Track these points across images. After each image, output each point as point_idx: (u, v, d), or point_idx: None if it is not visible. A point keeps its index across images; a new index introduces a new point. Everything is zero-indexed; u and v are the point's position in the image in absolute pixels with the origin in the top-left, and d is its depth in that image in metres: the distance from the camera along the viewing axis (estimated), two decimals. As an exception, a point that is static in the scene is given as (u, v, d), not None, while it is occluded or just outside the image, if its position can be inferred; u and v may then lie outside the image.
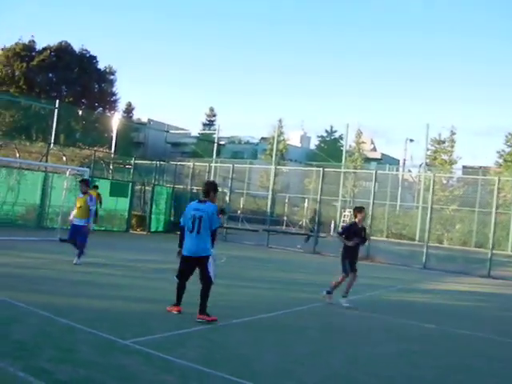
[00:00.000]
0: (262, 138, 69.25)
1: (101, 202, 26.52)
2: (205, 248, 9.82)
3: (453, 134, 49.40)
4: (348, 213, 44.06)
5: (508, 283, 21.26)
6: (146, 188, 32.14)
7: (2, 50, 64.98)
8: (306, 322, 10.53)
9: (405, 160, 59.48)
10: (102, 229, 28.38)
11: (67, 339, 7.59)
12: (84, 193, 16.07)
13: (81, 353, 6.99)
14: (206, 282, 9.78)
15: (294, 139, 74.59)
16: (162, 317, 9.62)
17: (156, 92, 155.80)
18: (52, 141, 37.31)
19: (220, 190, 34.31)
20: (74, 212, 15.86)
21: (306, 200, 45.30)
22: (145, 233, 30.42)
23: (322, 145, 77.50)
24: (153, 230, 31.17)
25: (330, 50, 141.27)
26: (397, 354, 8.66)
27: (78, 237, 15.52)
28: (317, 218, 28.29)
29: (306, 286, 15.60)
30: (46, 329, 8.03)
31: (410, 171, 58.28)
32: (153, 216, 31.44)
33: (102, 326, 8.33)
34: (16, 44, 64.99)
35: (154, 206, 31.43)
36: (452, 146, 49.73)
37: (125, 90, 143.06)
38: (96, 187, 25.36)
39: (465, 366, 8.41)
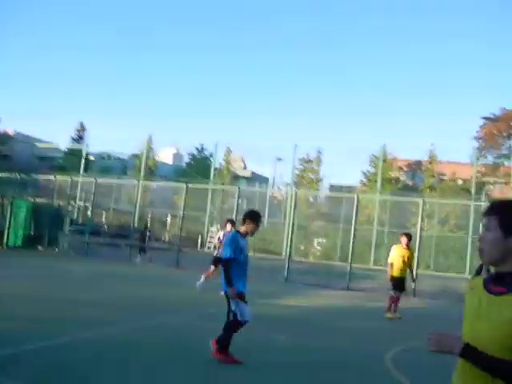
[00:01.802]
0: (133, 155, 68.42)
1: None
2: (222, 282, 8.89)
3: (319, 153, 51.00)
4: (215, 229, 44.35)
5: (362, 295, 22.01)
6: (5, 201, 30.88)
7: None
8: (150, 338, 10.33)
9: (274, 178, 60.61)
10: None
11: None
12: None
13: None
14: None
15: (166, 157, 74.24)
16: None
17: (23, 105, 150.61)
18: None
19: (82, 204, 33.87)
20: None
21: (169, 215, 45.14)
22: (1, 247, 29.18)
23: (193, 162, 77.62)
24: (10, 244, 29.90)
25: (200, 68, 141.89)
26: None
27: None
28: (180, 232, 28.29)
29: (161, 301, 15.35)
30: None
31: (279, 188, 59.44)
32: (11, 230, 30.17)
33: None
34: None
35: (12, 220, 30.19)
36: (318, 165, 51.28)
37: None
38: None
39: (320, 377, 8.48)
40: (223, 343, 8.48)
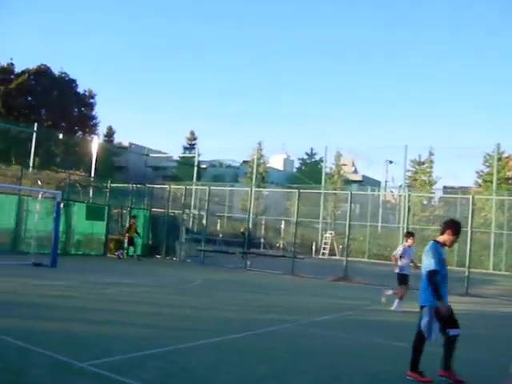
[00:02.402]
0: (244, 162, 69.20)
1: (137, 232, 29.97)
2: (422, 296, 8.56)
3: (431, 154, 49.70)
4: (329, 235, 44.12)
5: (486, 300, 21.18)
6: (123, 211, 31.92)
7: (-20, 73, 64.74)
8: (272, 343, 10.34)
9: (386, 181, 59.72)
10: (80, 253, 28.24)
11: (20, 362, 7.41)
12: None
13: (33, 376, 6.85)
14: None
15: (277, 162, 74.71)
16: (123, 339, 9.42)
17: (137, 116, 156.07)
18: (31, 164, 37.04)
19: (197, 212, 34.48)
20: None
21: (283, 222, 45.23)
22: (122, 257, 30.18)
23: (303, 167, 77.69)
24: (130, 253, 30.87)
25: (308, 74, 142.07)
26: (361, 373, 8.48)
27: None
28: (294, 239, 28.31)
29: (278, 308, 15.41)
30: (0, 352, 7.82)
31: (391, 192, 58.48)
32: (131, 240, 31.15)
33: (59, 349, 8.13)
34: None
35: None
36: (431, 167, 50.00)
37: (106, 114, 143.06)
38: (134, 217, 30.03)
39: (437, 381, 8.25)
40: (448, 366, 8.15)
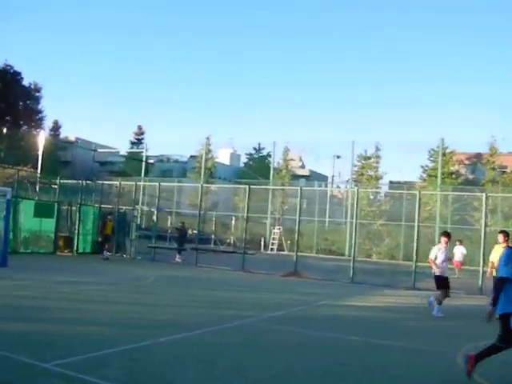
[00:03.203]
0: (191, 157, 69.06)
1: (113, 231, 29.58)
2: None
3: (378, 150, 50.55)
4: (277, 230, 44.52)
5: (431, 294, 21.70)
6: (73, 208, 31.65)
7: None
8: (231, 338, 10.59)
9: (333, 176, 60.46)
10: (29, 251, 27.93)
11: (-18, 365, 7.46)
12: None
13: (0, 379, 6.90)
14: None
15: (223, 157, 74.76)
16: (84, 338, 9.52)
17: (83, 110, 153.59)
18: (-25, 160, 36.41)
19: (147, 209, 34.44)
20: None
21: (234, 218, 45.49)
22: (72, 254, 30.00)
23: (251, 162, 77.94)
24: (80, 250, 30.71)
25: (255, 65, 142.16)
26: (322, 367, 8.75)
27: None
28: (244, 235, 28.61)
29: (233, 304, 15.67)
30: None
31: (338, 187, 59.25)
32: (80, 237, 30.99)
33: (21, 350, 8.20)
34: None
35: (80, 227, 30.99)
36: (377, 162, 50.85)
37: (51, 108, 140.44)
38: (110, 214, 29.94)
39: (389, 376, 8.58)
40: (479, 359, 8.07)
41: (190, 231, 33.19)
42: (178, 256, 30.03)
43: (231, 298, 17.23)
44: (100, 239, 29.69)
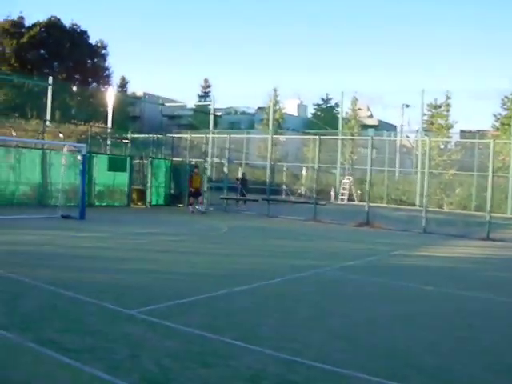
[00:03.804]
0: (259, 108, 68.84)
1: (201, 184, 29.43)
2: None
3: (448, 98, 49.23)
4: (347, 180, 44.28)
5: (506, 245, 21.33)
6: (145, 162, 32.21)
7: (-9, 27, 64.32)
8: (307, 287, 10.67)
9: (402, 126, 59.37)
10: (103, 204, 28.67)
11: (73, 311, 7.76)
12: None
13: (87, 323, 7.16)
14: None
15: (290, 108, 74.28)
16: (165, 287, 9.77)
17: (150, 65, 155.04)
18: (48, 118, 37.19)
19: (218, 160, 34.66)
20: None
21: (304, 168, 45.38)
22: (145, 206, 30.65)
23: (319, 113, 77.35)
24: (153, 203, 31.38)
25: (323, 18, 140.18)
26: (396, 315, 8.78)
27: None
28: (315, 186, 28.55)
29: (307, 254, 15.74)
30: (52, 302, 8.20)
31: (407, 137, 58.23)
32: (152, 189, 31.62)
33: (106, 298, 8.48)
34: (5, 21, 64.11)
35: (153, 180, 31.58)
36: (448, 111, 49.51)
37: (118, 65, 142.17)
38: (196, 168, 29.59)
39: (465, 324, 8.52)
40: None
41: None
42: (239, 204, 31.02)
43: (304, 248, 17.31)
44: (191, 193, 29.13)
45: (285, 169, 45.78)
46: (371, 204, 26.92)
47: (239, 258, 14.21)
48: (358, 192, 42.25)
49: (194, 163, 31.57)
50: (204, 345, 6.58)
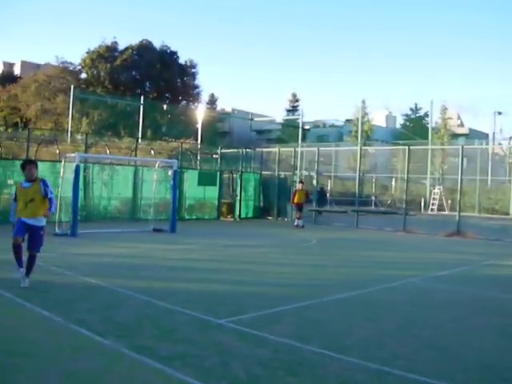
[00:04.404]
0: (347, 120, 68.72)
1: (307, 196, 28.64)
2: None
3: (543, 103, 47.75)
4: (437, 190, 43.47)
5: None
6: (234, 176, 32.66)
7: (87, 53, 67.06)
8: (397, 297, 10.60)
9: (494, 133, 57.86)
10: (194, 217, 29.24)
11: (166, 320, 8.00)
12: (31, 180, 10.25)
13: (179, 332, 7.39)
14: None
15: (379, 119, 73.69)
16: (254, 297, 9.89)
17: (239, 81, 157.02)
18: (139, 136, 38.26)
19: (307, 173, 34.74)
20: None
21: (394, 179, 44.89)
22: (234, 219, 31.05)
23: (408, 123, 76.38)
24: (242, 216, 31.76)
25: (409, 27, 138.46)
26: (489, 326, 8.58)
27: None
28: (405, 196, 28.19)
29: (397, 264, 15.60)
30: (145, 311, 8.47)
31: (500, 144, 56.71)
32: (242, 202, 32.02)
33: (197, 308, 8.70)
34: (99, 46, 67.00)
35: (242, 193, 31.98)
36: (543, 116, 48.07)
37: (207, 82, 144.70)
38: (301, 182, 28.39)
39: None
40: None
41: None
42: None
43: (394, 258, 17.15)
44: (293, 207, 28.68)
45: (374, 180, 45.43)
46: (462, 214, 26.33)
47: (328, 268, 14.21)
48: (449, 202, 41.39)
49: (300, 178, 30.97)
50: (292, 353, 6.65)
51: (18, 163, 22.49)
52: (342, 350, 6.79)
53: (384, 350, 6.97)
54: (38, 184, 10.14)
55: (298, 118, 62.33)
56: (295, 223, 27.41)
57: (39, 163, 23.64)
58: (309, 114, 74.08)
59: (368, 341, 7.39)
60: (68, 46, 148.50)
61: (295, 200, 27.63)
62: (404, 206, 27.94)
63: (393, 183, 45.38)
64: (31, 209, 9.96)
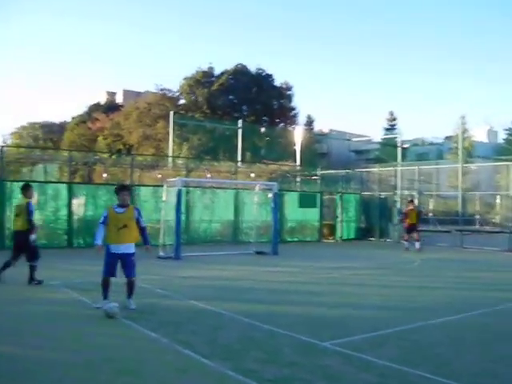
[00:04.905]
0: (446, 137, 67.29)
1: (418, 217, 26.52)
2: None
3: None
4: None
5: None
6: (334, 197, 32.55)
7: (185, 79, 68.80)
8: (508, 320, 10.21)
9: None
10: (295, 239, 29.32)
11: (270, 343, 8.02)
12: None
13: (284, 354, 7.38)
14: None
15: (480, 135, 71.77)
16: (358, 320, 9.78)
17: (334, 102, 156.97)
18: (239, 159, 38.71)
19: (407, 192, 34.14)
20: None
21: (498, 197, 43.39)
22: (335, 241, 30.89)
23: (511, 138, 73.95)
24: (344, 237, 31.59)
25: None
26: None
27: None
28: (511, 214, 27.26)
29: (505, 286, 15.02)
30: (249, 334, 8.53)
31: None
32: (343, 224, 31.84)
33: (301, 330, 8.68)
34: (196, 72, 68.67)
35: (343, 214, 31.81)
36: None
37: (303, 104, 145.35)
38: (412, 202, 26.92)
39: None
40: None
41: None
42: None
43: (502, 280, 16.50)
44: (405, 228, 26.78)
45: (477, 198, 44.07)
46: None
47: (433, 290, 13.82)
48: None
49: (410, 198, 29.21)
50: (399, 378, 6.52)
51: (123, 188, 23.66)
52: (450, 376, 6.59)
53: (495, 377, 6.72)
54: (131, 210, 10.27)
55: (396, 137, 61.44)
56: (405, 246, 25.78)
57: (142, 188, 24.72)
58: (407, 132, 73.24)
59: (477, 367, 7.13)
60: (166, 73, 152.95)
61: (407, 221, 25.96)
62: (510, 224, 26.98)
63: (497, 201, 43.82)
64: (123, 235, 10.04)
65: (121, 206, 10.25)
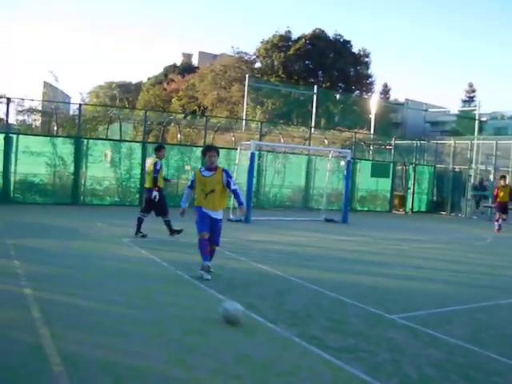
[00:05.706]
0: (527, 112, 65.15)
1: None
2: None
3: None
4: None
5: None
6: (407, 168, 32.08)
7: (262, 43, 68.41)
8: None
9: None
10: (365, 209, 29.16)
11: (336, 311, 8.05)
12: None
13: (349, 324, 7.41)
14: None
15: None
16: (426, 294, 9.66)
17: (412, 71, 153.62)
18: (313, 125, 38.47)
19: (483, 168, 33.36)
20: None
21: None
22: (406, 213, 30.53)
23: None
24: (415, 209, 31.17)
25: None
26: None
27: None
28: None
29: None
30: (316, 301, 8.56)
31: None
32: (415, 196, 31.40)
33: (368, 301, 8.67)
34: (273, 36, 68.06)
35: (415, 186, 31.34)
36: None
37: (380, 72, 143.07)
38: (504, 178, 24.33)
39: None
40: None
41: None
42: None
43: None
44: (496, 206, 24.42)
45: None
46: None
47: (504, 269, 13.48)
48: None
49: (502, 175, 26.04)
50: (467, 357, 6.43)
51: (196, 150, 23.91)
52: (521, 358, 6.46)
53: None
54: (220, 174, 9.73)
55: (474, 110, 59.98)
56: (496, 226, 23.29)
57: (216, 150, 24.85)
58: (486, 105, 70.78)
59: (552, 350, 6.96)
60: (243, 36, 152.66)
61: (499, 198, 23.61)
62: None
63: None
64: (211, 200, 9.65)
65: (208, 168, 9.82)
